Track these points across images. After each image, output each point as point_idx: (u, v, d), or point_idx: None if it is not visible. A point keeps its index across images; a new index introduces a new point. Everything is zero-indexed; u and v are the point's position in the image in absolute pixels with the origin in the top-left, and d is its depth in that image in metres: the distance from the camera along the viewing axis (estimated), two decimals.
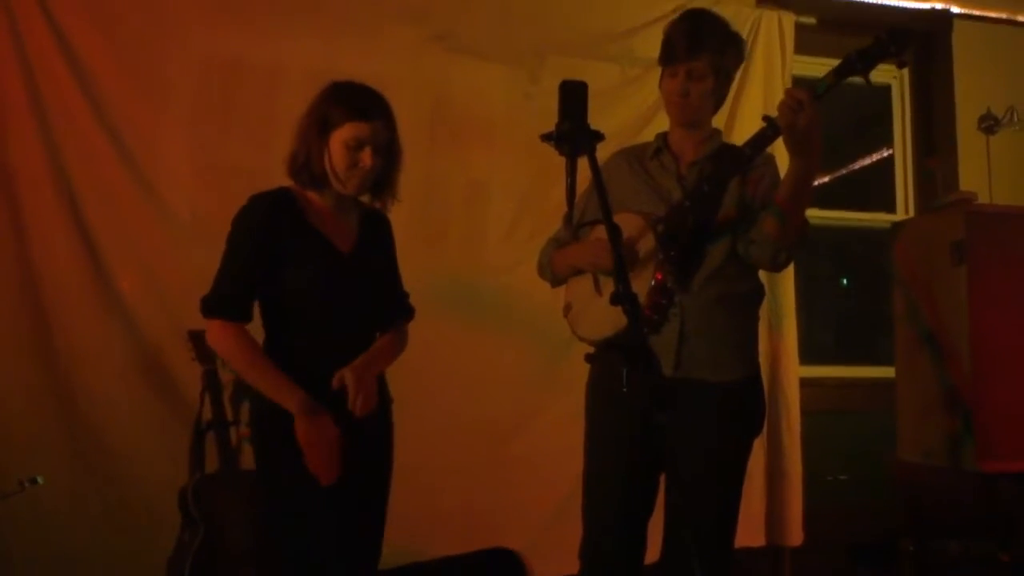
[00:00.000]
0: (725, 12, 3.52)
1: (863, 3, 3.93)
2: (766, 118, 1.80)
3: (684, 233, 1.89)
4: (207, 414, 2.74)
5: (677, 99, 1.99)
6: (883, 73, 4.20)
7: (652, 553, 2.00)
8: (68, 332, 2.84)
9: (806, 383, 3.63)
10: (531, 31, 3.33)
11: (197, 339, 2.78)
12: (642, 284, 1.85)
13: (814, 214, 4.01)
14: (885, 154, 4.34)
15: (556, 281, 2.16)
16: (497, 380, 3.17)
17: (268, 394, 1.80)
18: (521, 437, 3.19)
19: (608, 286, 1.94)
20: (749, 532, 3.31)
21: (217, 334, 1.83)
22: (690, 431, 1.85)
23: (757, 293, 2.06)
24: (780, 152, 1.90)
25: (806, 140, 1.72)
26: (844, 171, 4.49)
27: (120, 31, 3.00)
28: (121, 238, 2.94)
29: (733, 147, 2.03)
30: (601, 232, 1.98)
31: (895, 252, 3.20)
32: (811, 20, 3.77)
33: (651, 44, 3.55)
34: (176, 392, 2.90)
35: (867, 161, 4.52)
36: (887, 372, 3.44)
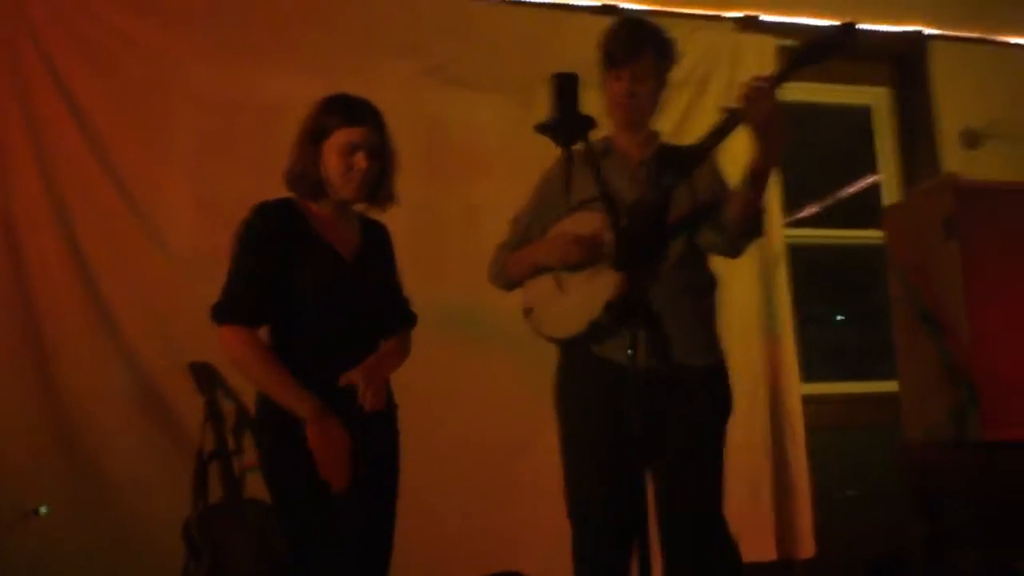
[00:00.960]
0: (706, 37, 3.73)
1: (853, 23, 4.03)
2: (726, 108, 1.88)
3: (648, 226, 1.92)
4: (209, 445, 2.74)
5: (624, 100, 2.05)
6: (864, 95, 4.32)
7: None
8: (70, 367, 2.86)
9: (810, 400, 3.64)
10: (523, 62, 3.42)
11: (198, 371, 2.79)
12: (609, 277, 1.88)
13: (808, 234, 4.12)
14: (871, 180, 4.41)
15: (511, 285, 2.18)
16: (500, 402, 3.17)
17: (280, 399, 1.80)
18: (526, 458, 3.17)
19: (572, 283, 1.98)
20: (760, 547, 3.28)
21: (229, 340, 1.82)
22: (669, 414, 1.89)
23: (714, 282, 2.14)
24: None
25: (769, 126, 1.79)
26: (832, 200, 4.56)
27: (118, 73, 3.08)
28: (122, 274, 2.98)
29: (675, 147, 2.14)
30: (563, 227, 2.02)
31: (887, 235, 3.24)
32: (792, 44, 3.86)
33: None
34: (178, 425, 2.90)
35: (854, 188, 4.59)
36: (890, 387, 3.45)
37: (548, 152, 2.12)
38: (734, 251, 2.03)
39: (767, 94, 1.77)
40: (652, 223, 1.92)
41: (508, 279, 2.17)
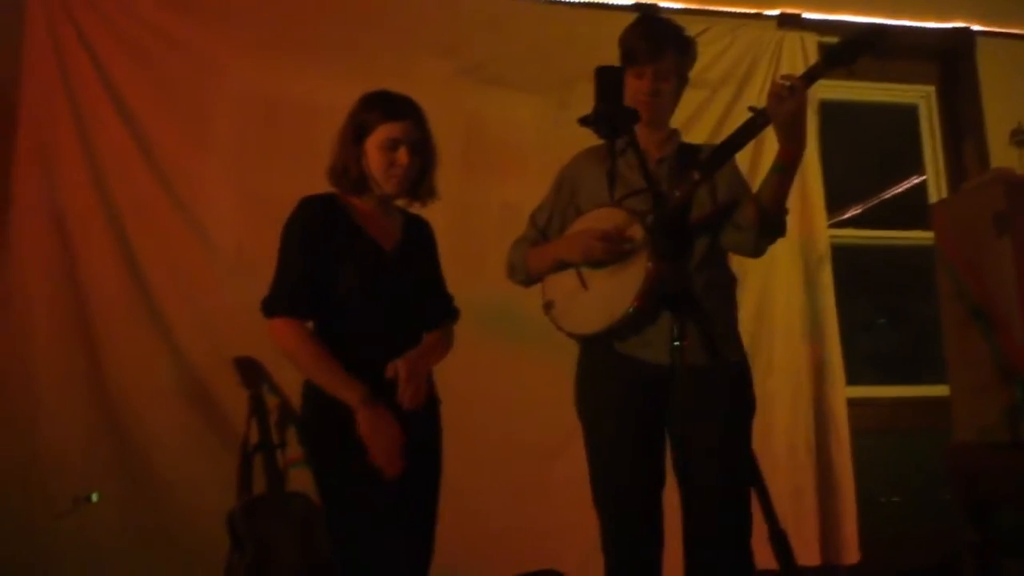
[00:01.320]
0: (748, 34, 3.70)
1: (886, 24, 3.97)
2: (753, 108, 1.89)
3: (674, 223, 1.92)
4: (254, 438, 2.78)
5: (647, 99, 2.04)
6: (909, 93, 4.24)
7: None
8: (118, 362, 2.93)
9: (854, 404, 3.57)
10: (559, 61, 3.43)
11: (242, 365, 2.84)
12: (635, 273, 1.88)
13: (853, 234, 4.06)
14: (916, 181, 4.33)
15: (530, 280, 2.17)
16: (539, 400, 3.15)
17: (330, 389, 1.81)
18: (565, 457, 3.12)
19: (595, 279, 1.97)
20: (804, 551, 3.22)
21: (281, 331, 1.84)
22: (696, 415, 1.87)
23: (735, 280, 2.13)
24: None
25: (796, 125, 1.81)
26: (877, 200, 4.48)
27: (163, 73, 3.15)
28: (168, 271, 3.04)
29: (694, 145, 2.14)
30: (584, 224, 2.00)
31: (936, 232, 3.18)
32: (833, 40, 3.81)
33: None
34: (223, 418, 2.94)
35: (899, 189, 4.51)
36: (936, 391, 3.38)
37: None
38: (756, 251, 2.02)
39: (794, 94, 1.78)
40: (679, 219, 1.93)
41: (528, 274, 2.16)
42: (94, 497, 2.53)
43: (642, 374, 1.94)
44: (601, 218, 1.98)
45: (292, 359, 1.85)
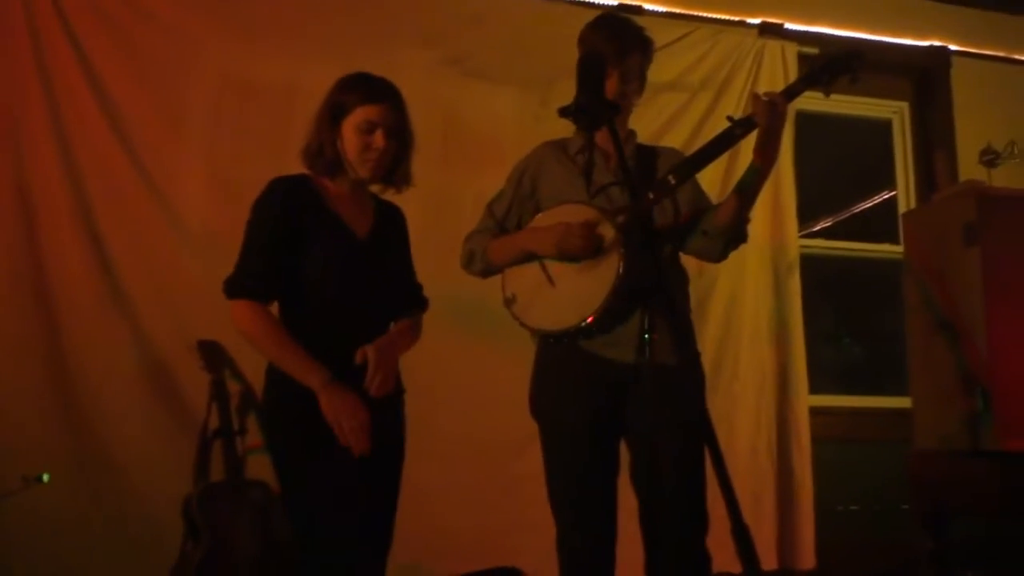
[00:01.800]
0: (729, 40, 3.73)
1: (864, 38, 4.03)
2: (731, 118, 1.94)
3: (646, 223, 1.91)
4: (213, 423, 2.73)
5: (613, 100, 2.00)
6: (883, 108, 4.30)
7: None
8: (78, 340, 2.86)
9: (816, 412, 3.61)
10: (541, 57, 3.41)
11: (206, 348, 2.79)
12: (607, 272, 1.87)
13: (823, 244, 4.10)
14: (887, 196, 4.39)
15: (488, 272, 2.13)
16: (504, 397, 3.11)
17: (292, 372, 1.78)
18: (528, 455, 3.12)
19: (564, 275, 1.95)
20: (761, 555, 3.22)
21: (242, 314, 1.81)
22: (662, 415, 1.84)
23: (688, 277, 2.15)
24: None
25: (775, 138, 1.87)
26: (847, 213, 4.53)
27: (138, 49, 3.09)
28: (133, 249, 2.98)
29: (651, 147, 2.16)
30: (553, 218, 1.98)
31: (905, 242, 3.23)
32: (813, 51, 3.85)
33: (656, 70, 3.63)
34: (183, 402, 2.89)
35: (869, 203, 4.56)
36: (897, 403, 3.42)
37: None
38: (722, 256, 2.08)
39: (782, 107, 1.85)
40: (648, 220, 1.93)
41: (489, 264, 2.11)
42: (45, 477, 2.46)
43: (605, 373, 1.93)
44: (571, 214, 1.96)
45: (252, 342, 1.82)
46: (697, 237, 2.05)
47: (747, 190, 1.95)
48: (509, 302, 2.03)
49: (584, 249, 1.90)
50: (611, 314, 1.88)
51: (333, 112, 1.89)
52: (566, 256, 1.93)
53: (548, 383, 2.04)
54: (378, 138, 1.87)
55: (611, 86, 2.00)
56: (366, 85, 1.89)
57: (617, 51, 1.99)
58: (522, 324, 2.00)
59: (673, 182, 1.91)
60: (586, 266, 1.92)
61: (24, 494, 2.45)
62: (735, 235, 2.03)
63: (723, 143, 1.93)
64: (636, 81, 2.06)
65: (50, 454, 2.72)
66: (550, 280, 1.97)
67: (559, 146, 2.13)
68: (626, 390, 1.93)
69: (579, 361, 1.96)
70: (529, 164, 2.15)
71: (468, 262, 2.17)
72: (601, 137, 2.01)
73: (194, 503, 2.57)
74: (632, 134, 2.15)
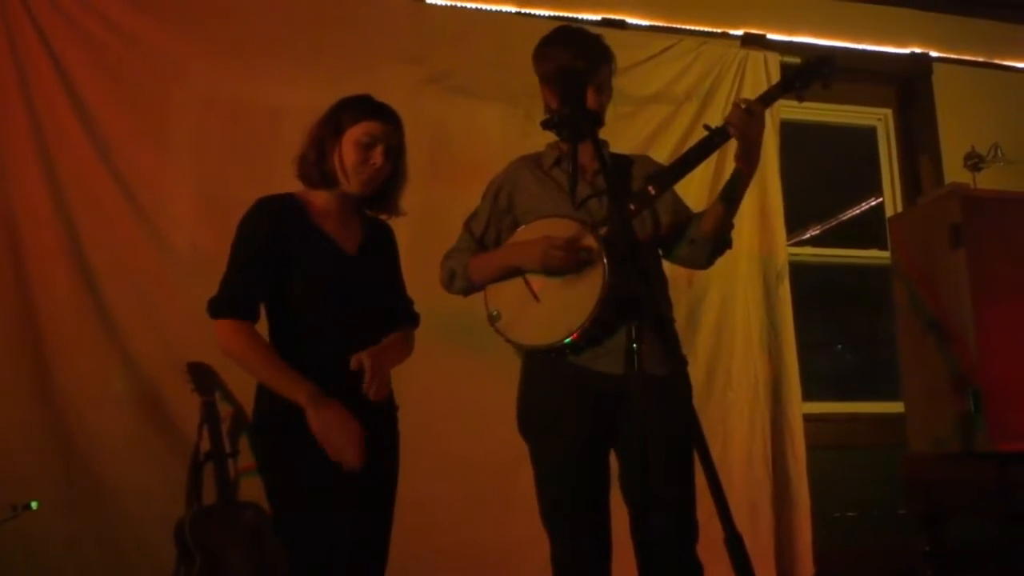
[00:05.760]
0: (713, 52, 3.75)
1: (846, 48, 4.07)
2: (708, 127, 1.95)
3: (628, 235, 1.88)
4: (205, 446, 2.71)
5: None
6: (867, 115, 4.33)
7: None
8: (66, 365, 2.84)
9: (810, 419, 3.61)
10: (526, 72, 3.37)
11: (196, 370, 2.77)
12: (592, 285, 1.86)
13: (812, 252, 4.11)
14: (874, 203, 4.41)
15: (471, 289, 2.12)
16: (497, 414, 3.09)
17: (279, 390, 1.78)
18: (523, 473, 3.11)
19: (548, 289, 1.93)
20: (759, 564, 3.18)
21: (227, 333, 1.81)
22: (652, 424, 1.80)
23: (667, 281, 2.15)
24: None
25: (755, 145, 1.89)
26: (835, 221, 4.55)
27: (121, 70, 3.08)
28: (120, 273, 2.96)
29: (623, 156, 2.15)
30: (534, 233, 1.97)
31: (892, 245, 3.24)
32: (796, 60, 3.89)
33: (641, 82, 3.73)
34: (173, 425, 2.87)
35: (857, 210, 4.58)
36: (890, 408, 3.42)
37: None
38: (708, 263, 2.10)
39: (758, 114, 1.87)
40: (630, 230, 1.92)
41: (471, 282, 2.10)
42: (34, 505, 2.44)
43: (594, 385, 1.92)
44: (553, 227, 1.96)
45: (237, 360, 1.82)
46: (684, 245, 2.06)
47: (731, 196, 1.96)
48: (493, 319, 2.01)
49: (568, 262, 1.89)
50: (598, 326, 1.87)
51: (336, 123, 1.90)
52: (550, 270, 1.92)
53: (537, 398, 2.02)
54: (377, 154, 1.89)
55: (589, 98, 2.00)
56: (373, 104, 1.93)
57: (592, 63, 1.99)
58: (507, 340, 1.99)
59: (653, 192, 1.92)
60: (570, 280, 1.91)
61: (13, 522, 2.41)
62: (722, 242, 2.05)
63: (702, 152, 1.94)
64: (608, 91, 2.07)
65: (40, 480, 2.69)
66: (534, 295, 1.95)
67: (533, 160, 2.13)
68: (616, 402, 1.92)
69: (568, 374, 1.94)
70: (504, 180, 2.14)
71: (449, 281, 2.15)
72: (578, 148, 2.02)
73: (186, 526, 2.55)
74: (605, 144, 2.13)
